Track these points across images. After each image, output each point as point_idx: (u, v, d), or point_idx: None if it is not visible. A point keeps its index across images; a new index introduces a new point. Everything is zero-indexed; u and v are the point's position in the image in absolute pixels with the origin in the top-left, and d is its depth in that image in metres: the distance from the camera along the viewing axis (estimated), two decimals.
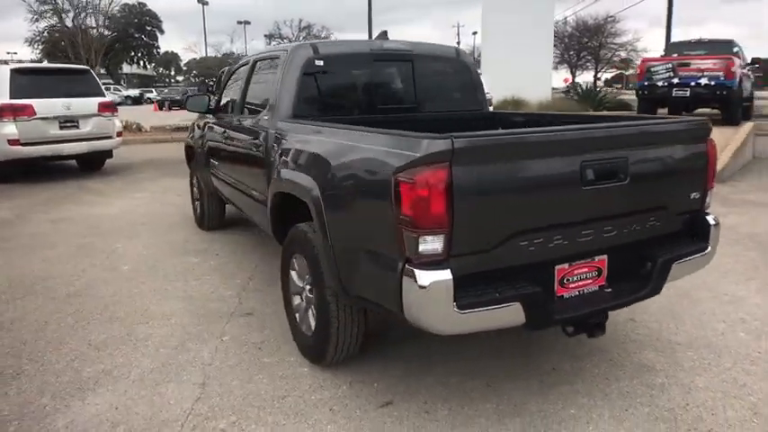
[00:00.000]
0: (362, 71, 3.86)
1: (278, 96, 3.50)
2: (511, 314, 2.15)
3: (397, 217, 2.10)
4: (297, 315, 3.06)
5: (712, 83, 11.24)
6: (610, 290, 2.49)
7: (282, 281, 3.20)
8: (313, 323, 2.86)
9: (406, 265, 2.10)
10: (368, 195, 2.35)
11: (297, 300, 3.06)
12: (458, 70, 4.20)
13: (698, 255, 2.68)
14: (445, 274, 2.04)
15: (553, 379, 2.80)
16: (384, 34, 4.05)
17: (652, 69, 11.95)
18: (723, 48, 12.51)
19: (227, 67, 5.65)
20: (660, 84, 11.77)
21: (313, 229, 2.73)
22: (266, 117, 3.60)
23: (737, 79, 11.30)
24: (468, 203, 2.05)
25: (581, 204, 2.31)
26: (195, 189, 5.64)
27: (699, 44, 13.24)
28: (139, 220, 6.05)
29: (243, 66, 4.57)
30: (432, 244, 2.06)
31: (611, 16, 43.43)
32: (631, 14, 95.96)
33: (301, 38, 48.37)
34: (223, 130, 4.44)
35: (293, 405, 2.61)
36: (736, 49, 12.60)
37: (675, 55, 12.84)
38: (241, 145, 3.95)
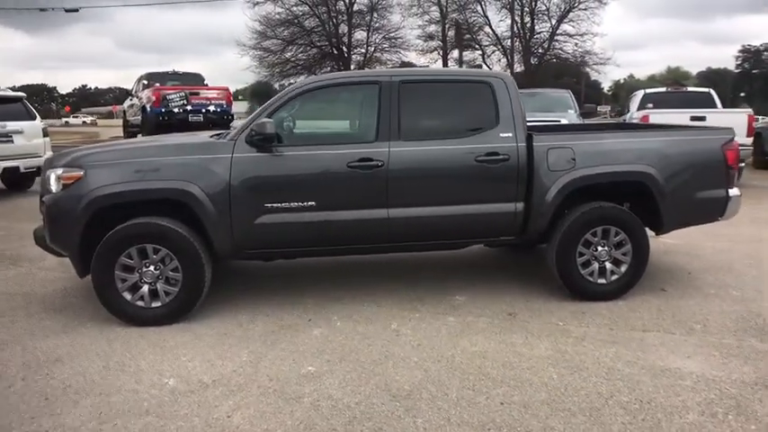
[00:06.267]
0: None
1: (513, 116, 4.20)
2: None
3: (726, 166, 4.39)
4: (590, 275, 4.28)
5: (218, 109, 13.89)
6: None
7: (570, 255, 4.22)
8: (620, 269, 4.28)
9: (728, 190, 4.42)
10: (702, 161, 4.38)
11: (584, 267, 4.27)
12: None
13: None
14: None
15: None
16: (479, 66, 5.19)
17: (168, 97, 13.54)
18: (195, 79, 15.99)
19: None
20: (176, 110, 13.52)
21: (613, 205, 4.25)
22: (507, 135, 4.17)
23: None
24: None
25: None
26: (182, 266, 3.86)
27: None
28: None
29: (345, 92, 4.30)
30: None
31: None
32: None
33: None
34: (374, 161, 3.97)
35: None
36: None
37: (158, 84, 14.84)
38: (458, 166, 4.10)
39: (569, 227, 4.18)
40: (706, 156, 4.38)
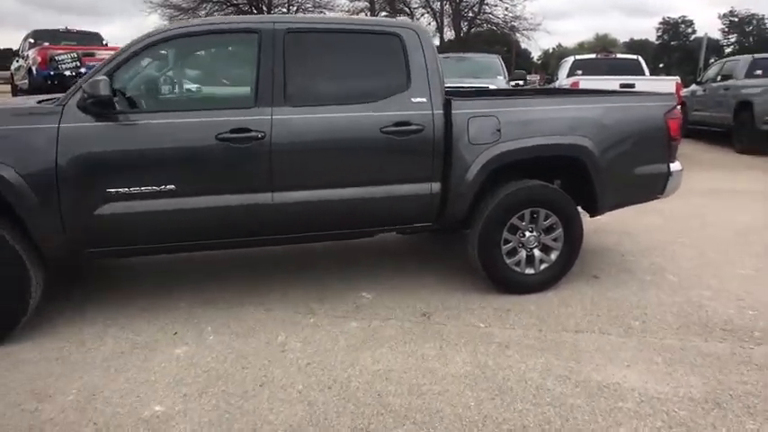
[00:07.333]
0: None
1: (428, 78, 3.49)
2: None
3: (668, 138, 3.88)
4: (517, 265, 3.70)
5: None
6: None
7: (494, 243, 3.60)
8: (549, 257, 3.74)
9: (669, 164, 3.94)
10: (642, 132, 3.84)
11: (510, 256, 3.68)
12: None
13: None
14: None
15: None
16: None
17: (57, 59, 11.70)
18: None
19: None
20: (68, 73, 11.63)
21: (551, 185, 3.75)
22: (420, 100, 3.44)
23: None
24: None
25: None
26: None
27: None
28: None
29: (221, 42, 3.40)
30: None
31: None
32: None
33: None
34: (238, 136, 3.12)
35: None
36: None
37: (47, 43, 12.74)
38: (359, 137, 3.35)
39: (493, 210, 3.55)
40: (646, 125, 3.85)
